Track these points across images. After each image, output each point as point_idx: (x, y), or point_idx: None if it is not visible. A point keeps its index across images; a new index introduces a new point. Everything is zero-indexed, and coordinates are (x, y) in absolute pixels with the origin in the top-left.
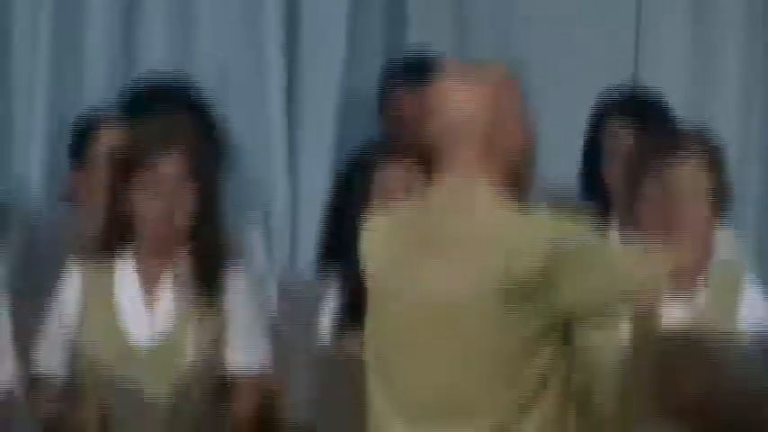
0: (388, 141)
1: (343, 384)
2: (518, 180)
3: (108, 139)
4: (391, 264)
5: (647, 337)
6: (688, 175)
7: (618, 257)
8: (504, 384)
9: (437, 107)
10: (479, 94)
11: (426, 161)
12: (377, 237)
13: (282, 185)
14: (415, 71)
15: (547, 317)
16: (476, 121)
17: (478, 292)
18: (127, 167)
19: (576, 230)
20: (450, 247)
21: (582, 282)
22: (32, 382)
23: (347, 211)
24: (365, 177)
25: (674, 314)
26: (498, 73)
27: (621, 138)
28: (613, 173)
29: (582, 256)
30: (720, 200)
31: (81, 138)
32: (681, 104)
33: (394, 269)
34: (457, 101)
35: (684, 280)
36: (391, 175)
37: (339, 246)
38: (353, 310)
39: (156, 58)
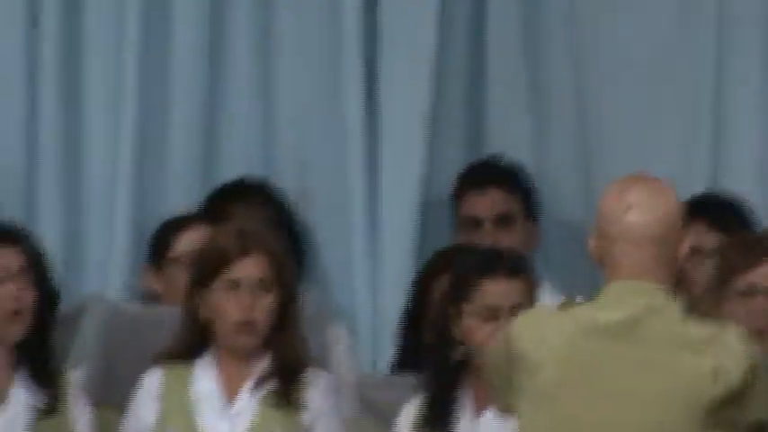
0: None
1: None
2: (677, 286)
3: (191, 242)
4: (571, 357)
5: None
6: None
7: None
8: None
9: (611, 211)
10: (665, 202)
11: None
12: (541, 323)
13: (363, 288)
14: (491, 175)
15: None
16: (659, 227)
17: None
18: (208, 270)
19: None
20: (649, 351)
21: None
22: None
23: (423, 318)
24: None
25: None
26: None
27: (705, 238)
28: (697, 273)
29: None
30: None
31: (163, 240)
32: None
33: (576, 364)
34: (641, 204)
35: None
36: (496, 289)
37: (415, 353)
38: (437, 413)
39: (237, 158)
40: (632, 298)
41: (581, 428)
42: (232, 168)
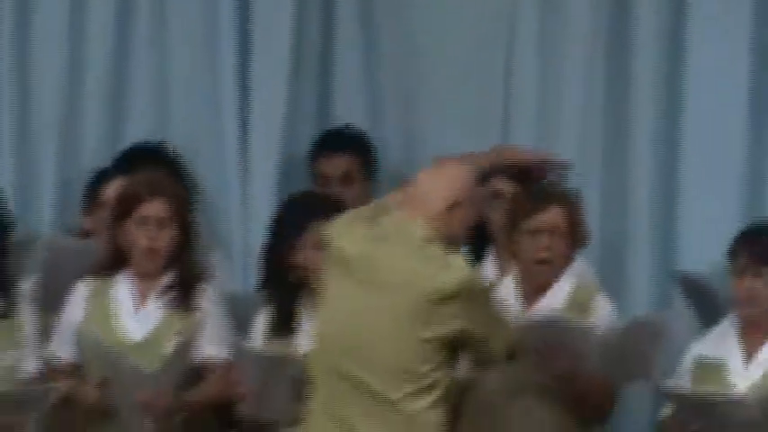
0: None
1: (275, 376)
2: (452, 242)
3: (111, 190)
4: (350, 247)
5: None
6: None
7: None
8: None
9: (419, 180)
10: (456, 178)
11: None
12: (341, 227)
13: (238, 223)
14: (334, 142)
15: (442, 336)
16: (442, 198)
17: (407, 307)
18: (124, 210)
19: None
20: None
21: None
22: (49, 368)
23: (279, 248)
24: (295, 223)
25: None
26: (458, 168)
27: (504, 186)
28: (495, 214)
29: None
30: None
31: (90, 189)
32: None
33: (352, 251)
34: (433, 179)
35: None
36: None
37: (272, 275)
38: (282, 322)
39: (141, 127)
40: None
41: (348, 307)
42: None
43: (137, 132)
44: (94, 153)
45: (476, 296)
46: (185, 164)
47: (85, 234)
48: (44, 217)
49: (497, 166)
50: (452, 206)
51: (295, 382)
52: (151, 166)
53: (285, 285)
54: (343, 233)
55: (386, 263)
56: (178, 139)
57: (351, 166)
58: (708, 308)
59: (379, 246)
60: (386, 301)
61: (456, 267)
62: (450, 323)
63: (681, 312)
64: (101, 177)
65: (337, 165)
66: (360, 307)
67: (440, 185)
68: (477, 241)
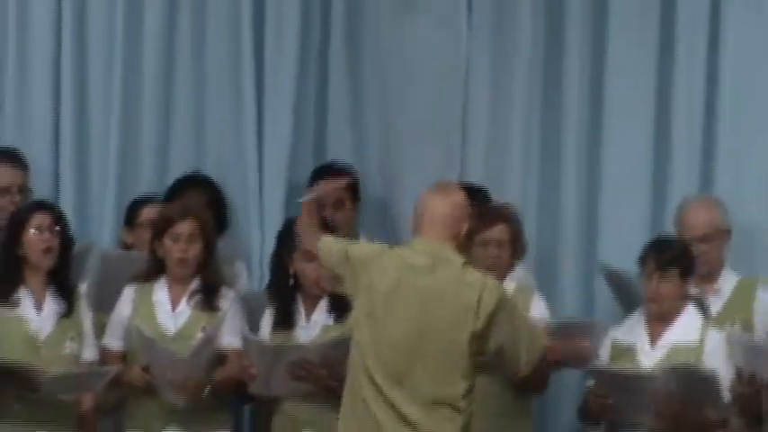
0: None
1: (276, 362)
2: (464, 251)
3: (148, 213)
4: (390, 270)
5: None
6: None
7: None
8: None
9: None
10: (457, 201)
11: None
12: (373, 258)
13: (256, 240)
14: (328, 173)
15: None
16: (452, 216)
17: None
18: (161, 229)
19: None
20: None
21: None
22: (104, 355)
23: (282, 259)
24: (292, 239)
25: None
26: (461, 192)
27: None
28: None
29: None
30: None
31: (130, 211)
32: None
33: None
34: (445, 203)
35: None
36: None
37: (275, 280)
38: (282, 319)
39: (183, 159)
40: (430, 250)
41: (390, 339)
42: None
43: (181, 155)
44: (149, 182)
45: (509, 310)
46: (218, 189)
47: (126, 247)
48: (103, 232)
49: None
50: (469, 231)
51: (293, 366)
52: (191, 192)
53: (285, 289)
54: (374, 268)
55: (436, 287)
56: (210, 168)
57: (342, 193)
58: (627, 297)
59: (422, 274)
60: (441, 321)
61: (493, 286)
62: (493, 339)
63: (602, 320)
64: (139, 202)
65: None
66: (411, 329)
67: (455, 210)
68: None
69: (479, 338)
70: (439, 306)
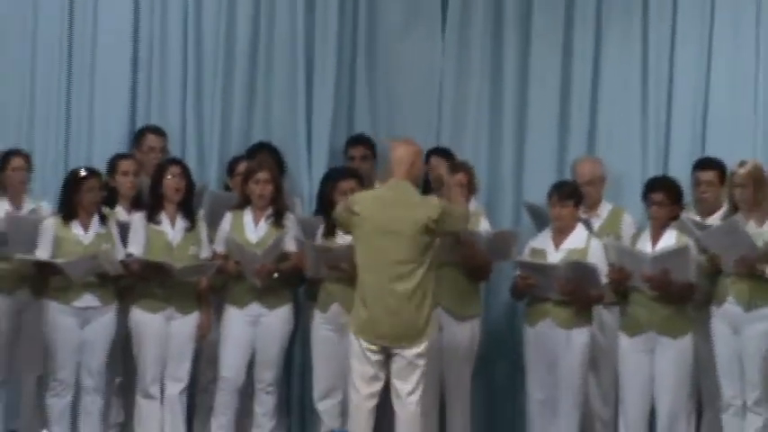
0: (344, 169)
1: (326, 260)
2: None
3: (240, 167)
4: (370, 209)
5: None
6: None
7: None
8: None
9: (394, 155)
10: (410, 151)
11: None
12: (361, 198)
13: (305, 183)
14: (357, 140)
15: (433, 237)
16: (407, 161)
17: (411, 226)
18: (248, 176)
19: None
20: (399, 207)
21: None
22: (213, 255)
23: (324, 193)
24: (332, 180)
25: None
26: (413, 144)
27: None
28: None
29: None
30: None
31: (230, 165)
32: None
33: (371, 212)
34: (401, 152)
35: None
36: (344, 184)
37: (321, 208)
38: (327, 231)
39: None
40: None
41: (378, 244)
42: None
43: (264, 127)
44: (237, 145)
45: (447, 210)
46: (278, 150)
47: (227, 188)
48: (212, 178)
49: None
50: (411, 167)
51: (334, 258)
52: (263, 152)
53: (328, 213)
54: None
55: (402, 206)
56: (276, 134)
57: (366, 152)
58: (540, 220)
59: (394, 204)
60: (407, 222)
61: (435, 203)
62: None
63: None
64: (236, 160)
65: (359, 150)
66: (389, 223)
67: (403, 157)
68: (424, 191)
69: (435, 222)
70: (404, 218)
